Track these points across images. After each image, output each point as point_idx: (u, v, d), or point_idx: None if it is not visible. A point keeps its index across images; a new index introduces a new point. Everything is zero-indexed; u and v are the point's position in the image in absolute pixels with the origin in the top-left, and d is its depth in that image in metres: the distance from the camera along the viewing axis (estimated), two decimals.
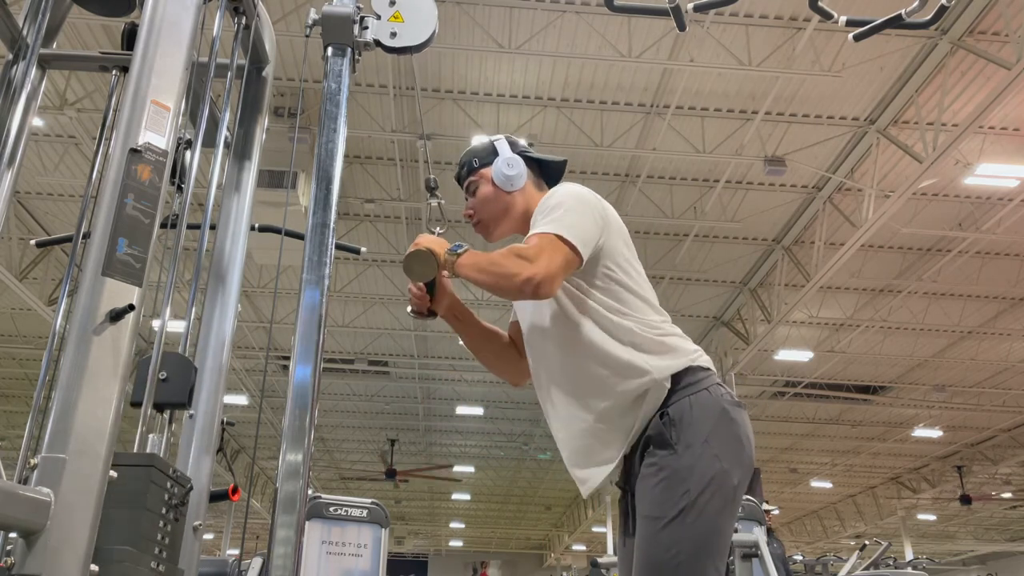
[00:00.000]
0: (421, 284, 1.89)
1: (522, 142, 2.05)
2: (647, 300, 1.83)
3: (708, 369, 1.77)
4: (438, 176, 8.99)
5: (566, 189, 1.84)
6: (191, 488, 1.65)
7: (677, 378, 1.72)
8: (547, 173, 2.05)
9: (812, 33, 6.84)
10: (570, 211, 1.76)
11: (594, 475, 1.78)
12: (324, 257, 1.85)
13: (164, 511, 1.50)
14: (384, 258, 10.58)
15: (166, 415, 1.74)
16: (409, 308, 1.94)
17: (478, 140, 2.08)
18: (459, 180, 2.05)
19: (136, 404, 1.63)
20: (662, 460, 1.65)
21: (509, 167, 1.95)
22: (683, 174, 8.95)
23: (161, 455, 1.68)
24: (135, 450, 1.64)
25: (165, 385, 1.70)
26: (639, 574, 1.63)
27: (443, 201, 2.17)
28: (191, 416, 1.87)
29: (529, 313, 1.91)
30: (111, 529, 1.36)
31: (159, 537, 1.48)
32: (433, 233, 1.90)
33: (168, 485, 1.52)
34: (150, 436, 1.70)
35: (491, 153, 1.99)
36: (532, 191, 1.98)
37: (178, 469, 1.62)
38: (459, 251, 1.75)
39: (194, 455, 1.90)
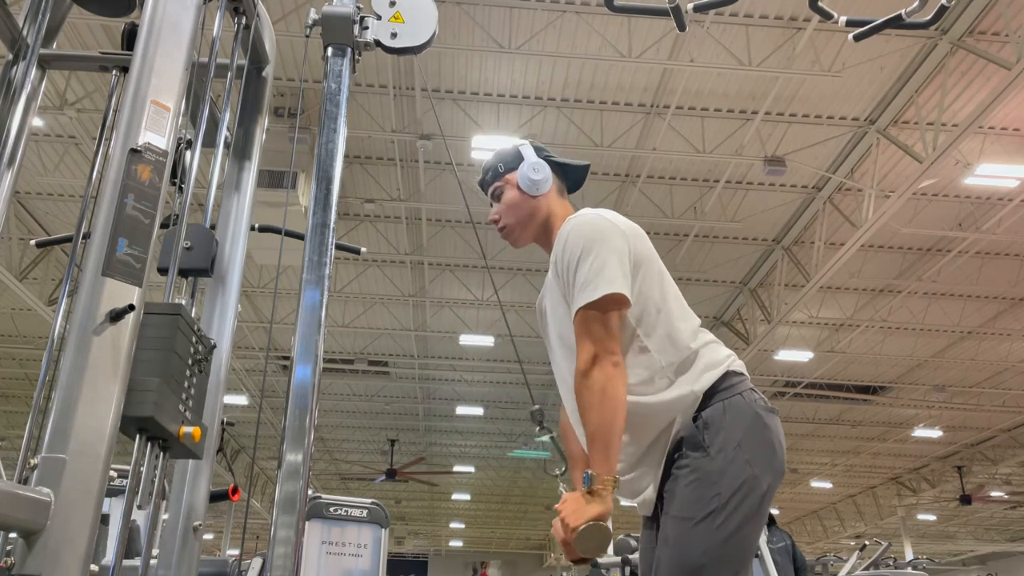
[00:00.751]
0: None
1: (544, 147, 2.04)
2: (674, 313, 1.79)
3: (742, 374, 1.76)
4: (436, 177, 9.03)
5: (584, 233, 1.78)
6: (215, 346, 1.71)
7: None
8: (569, 178, 2.05)
9: (812, 33, 6.84)
10: (597, 257, 1.73)
11: (646, 498, 1.77)
12: (324, 257, 1.85)
13: (190, 362, 1.55)
14: (384, 258, 10.58)
15: (191, 281, 1.88)
16: (570, 559, 1.70)
17: (503, 146, 2.06)
18: (483, 185, 2.04)
19: (163, 270, 1.72)
20: (694, 462, 1.65)
21: (535, 171, 1.95)
22: (683, 174, 8.95)
23: None
24: None
25: (189, 253, 1.85)
26: (661, 572, 1.62)
27: (555, 434, 2.05)
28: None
29: (556, 363, 1.91)
30: (141, 366, 1.42)
31: (186, 384, 1.53)
32: (555, 476, 1.86)
33: (193, 339, 1.57)
34: (177, 300, 1.76)
35: (516, 158, 1.98)
36: (555, 196, 1.98)
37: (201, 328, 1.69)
38: (592, 475, 1.61)
39: None
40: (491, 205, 2.03)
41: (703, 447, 1.65)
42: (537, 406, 2.03)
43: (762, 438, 1.68)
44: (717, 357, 1.77)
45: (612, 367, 1.65)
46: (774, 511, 23.44)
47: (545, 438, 1.99)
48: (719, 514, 1.59)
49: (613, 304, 1.70)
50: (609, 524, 1.59)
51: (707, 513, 1.59)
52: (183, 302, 1.75)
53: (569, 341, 1.81)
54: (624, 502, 1.84)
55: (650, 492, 1.75)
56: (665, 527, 1.65)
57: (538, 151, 2.00)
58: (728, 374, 1.74)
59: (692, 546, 1.59)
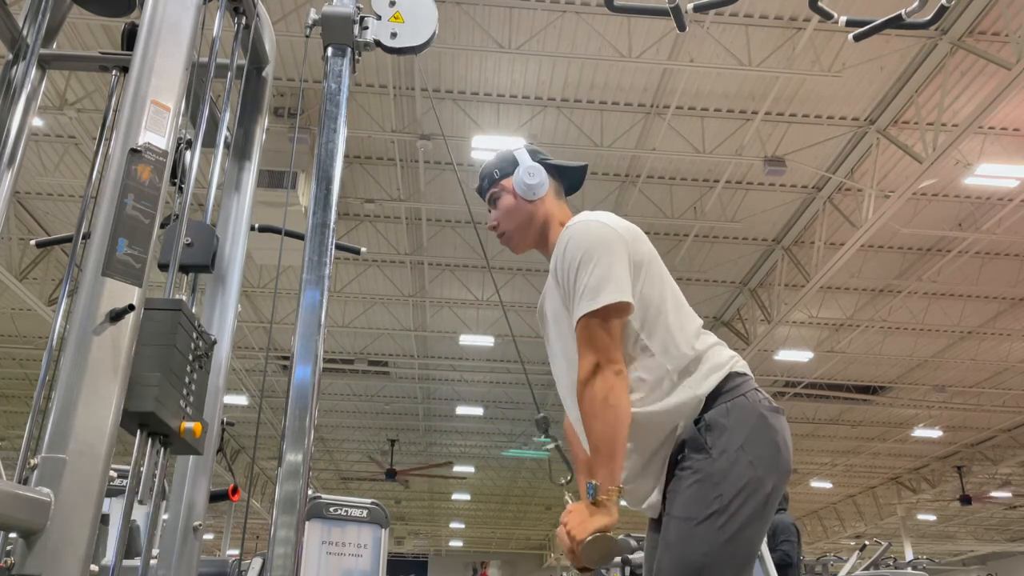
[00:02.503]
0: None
1: (540, 150, 2.03)
2: (676, 321, 1.78)
3: (745, 375, 1.75)
4: (436, 177, 9.03)
5: (584, 240, 1.77)
6: (215, 342, 1.71)
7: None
8: (567, 180, 2.03)
9: (812, 33, 6.84)
10: (598, 264, 1.72)
11: (651, 503, 1.76)
12: (324, 257, 1.85)
13: (191, 357, 1.55)
14: (384, 258, 10.58)
15: (191, 277, 1.88)
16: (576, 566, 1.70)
17: (499, 149, 2.05)
18: (480, 192, 2.03)
19: (163, 267, 1.72)
20: (696, 463, 1.65)
21: (531, 176, 1.94)
22: (683, 174, 8.95)
23: None
24: None
25: (190, 249, 1.85)
26: (663, 573, 1.62)
27: (560, 443, 2.04)
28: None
29: (557, 368, 1.90)
30: (142, 362, 1.42)
31: (186, 380, 1.53)
32: (561, 485, 1.86)
33: (193, 335, 1.57)
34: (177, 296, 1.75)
35: (512, 163, 1.97)
36: (553, 199, 1.97)
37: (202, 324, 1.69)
38: (597, 486, 1.61)
39: (194, 456, 1.90)
40: (489, 211, 2.02)
41: (705, 449, 1.65)
42: (543, 414, 2.01)
43: (766, 439, 1.67)
44: (720, 359, 1.76)
45: (614, 376, 1.65)
46: None
47: (551, 446, 1.98)
48: (721, 515, 1.59)
49: (615, 312, 1.69)
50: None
51: (709, 514, 1.59)
52: (183, 298, 1.75)
53: (570, 349, 1.80)
54: (631, 507, 1.84)
55: (655, 496, 1.74)
56: (667, 528, 1.65)
57: (534, 155, 1.98)
58: (731, 375, 1.73)
59: (694, 547, 1.58)
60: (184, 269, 1.86)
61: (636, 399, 1.71)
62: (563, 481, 1.88)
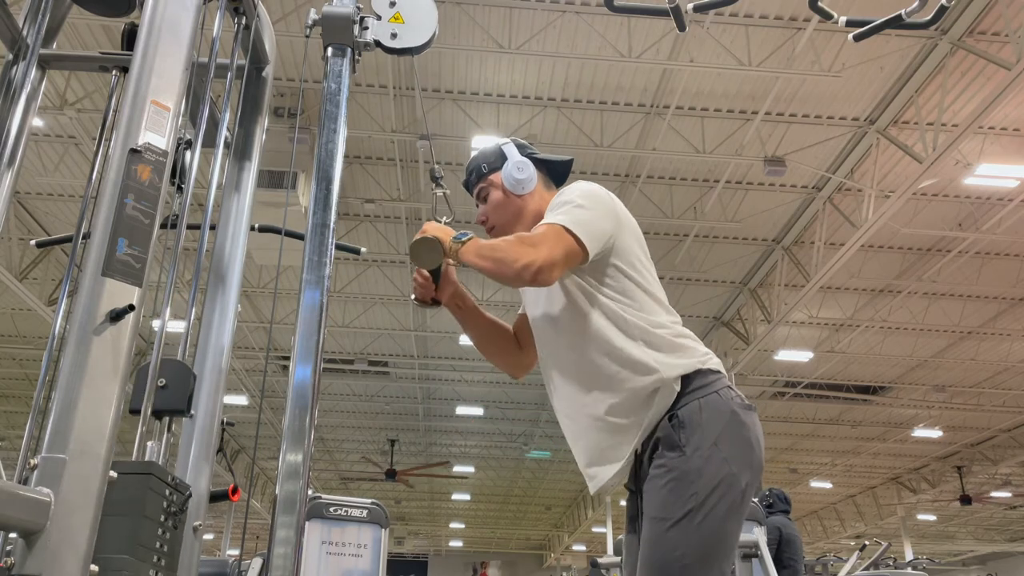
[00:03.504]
0: (426, 272, 1.90)
1: (528, 144, 2.05)
2: (659, 300, 1.83)
3: (718, 372, 1.76)
4: (444, 177, 9.02)
5: (579, 186, 1.84)
6: (190, 495, 1.65)
7: (687, 380, 1.72)
8: (554, 173, 2.05)
9: (812, 33, 6.84)
10: (580, 207, 1.77)
11: (602, 472, 1.78)
12: (324, 257, 1.85)
13: (163, 519, 1.50)
14: (384, 258, 10.58)
15: (165, 421, 1.73)
16: (413, 296, 1.95)
17: (485, 145, 2.07)
18: (468, 187, 2.04)
19: (135, 411, 1.62)
20: (671, 462, 1.65)
21: (519, 170, 1.95)
22: (683, 174, 8.95)
23: (160, 461, 1.68)
24: (134, 457, 1.64)
25: (164, 392, 1.69)
26: (643, 573, 1.63)
27: (448, 191, 2.13)
28: (191, 416, 1.87)
29: (540, 307, 1.91)
30: (109, 537, 1.35)
31: (158, 545, 1.47)
32: (440, 222, 1.89)
33: (167, 492, 1.52)
34: (149, 443, 1.69)
35: (500, 158, 1.99)
36: (542, 192, 1.99)
37: (177, 476, 1.62)
38: (464, 239, 1.75)
39: (194, 456, 1.90)
40: (477, 206, 2.03)
41: (679, 446, 1.65)
42: (437, 165, 2.17)
43: (739, 435, 1.68)
44: (697, 352, 1.78)
45: (535, 272, 1.67)
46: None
47: (440, 193, 2.11)
48: (697, 513, 1.59)
49: (576, 245, 1.72)
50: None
51: (685, 512, 1.59)
52: (157, 451, 1.69)
53: (558, 319, 1.83)
54: (584, 469, 1.85)
55: (610, 469, 1.76)
56: (645, 529, 1.66)
57: (521, 149, 2.00)
58: (705, 372, 1.74)
59: (672, 546, 1.59)
60: (157, 415, 1.71)
61: (618, 373, 1.73)
62: (443, 220, 1.94)
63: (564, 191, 1.84)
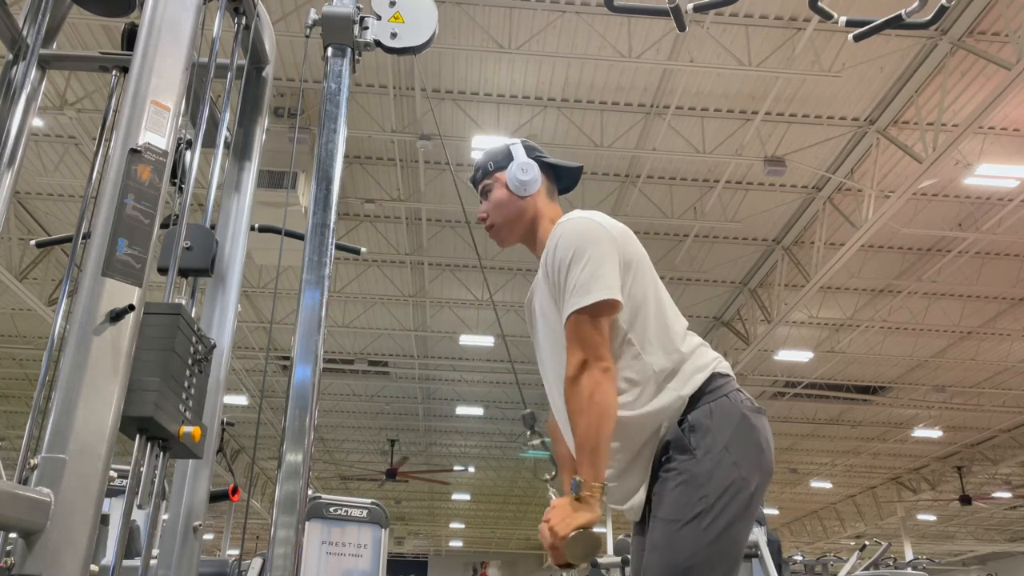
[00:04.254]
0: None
1: (537, 147, 2.04)
2: (664, 317, 1.79)
3: (727, 375, 1.76)
4: (435, 178, 9.03)
5: (574, 239, 1.77)
6: (215, 346, 1.72)
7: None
8: (561, 178, 2.04)
9: (812, 33, 6.84)
10: (589, 261, 1.72)
11: (634, 503, 1.77)
12: (324, 257, 1.85)
13: (190, 361, 1.55)
14: (384, 258, 10.58)
15: (191, 281, 1.88)
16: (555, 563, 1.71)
17: (493, 144, 2.06)
18: (474, 182, 2.04)
19: (163, 270, 1.72)
20: (681, 465, 1.65)
21: (523, 171, 1.94)
22: (683, 174, 8.95)
23: None
24: None
25: (189, 253, 1.84)
26: (650, 575, 1.63)
27: (547, 439, 2.03)
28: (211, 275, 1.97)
29: (545, 350, 1.90)
30: (141, 366, 1.42)
31: (186, 384, 1.53)
32: (546, 481, 1.85)
33: (193, 339, 1.57)
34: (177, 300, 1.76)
35: (507, 157, 1.97)
36: (545, 197, 1.97)
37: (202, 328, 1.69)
38: (580, 481, 1.62)
39: None
40: (480, 202, 2.02)
41: (690, 450, 1.65)
42: (529, 410, 2.01)
43: (749, 439, 1.68)
44: (704, 360, 1.77)
45: (601, 373, 1.65)
46: (774, 512, 23.45)
47: (536, 441, 1.98)
48: (706, 516, 1.59)
49: (605, 309, 1.70)
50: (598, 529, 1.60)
51: (694, 515, 1.59)
52: (183, 302, 1.75)
53: (558, 345, 1.81)
54: (613, 506, 1.85)
55: (639, 497, 1.76)
56: (653, 530, 1.65)
57: (529, 151, 1.98)
58: (714, 376, 1.74)
59: (680, 548, 1.59)
60: (183, 273, 1.85)
61: (623, 401, 1.72)
62: (547, 477, 1.88)
63: (559, 248, 1.78)
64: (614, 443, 1.71)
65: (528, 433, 1.99)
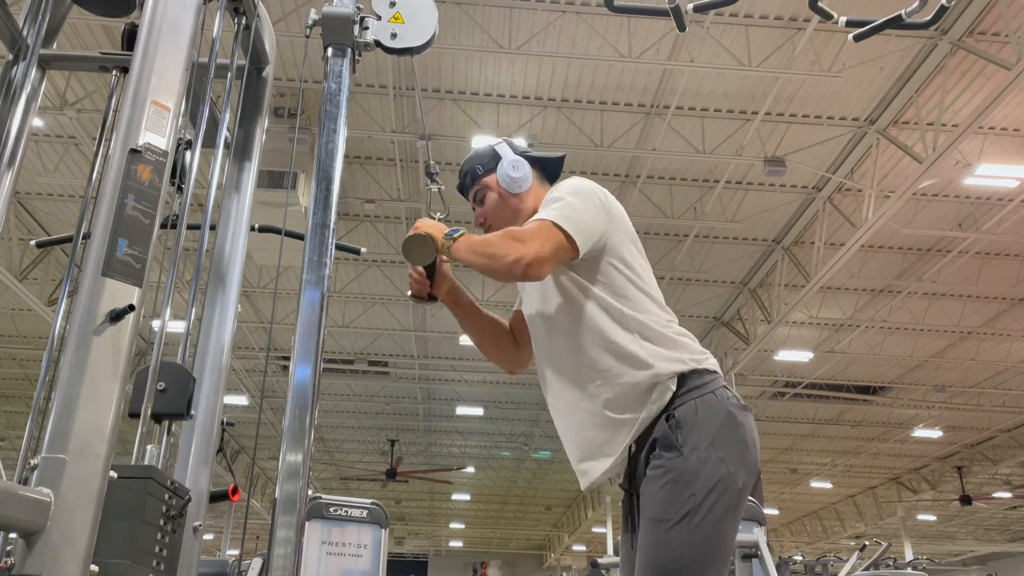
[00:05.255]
0: (421, 268, 1.91)
1: (520, 143, 2.06)
2: (655, 299, 1.83)
3: (715, 372, 1.77)
4: (439, 174, 9.02)
5: (571, 183, 1.85)
6: (189, 499, 1.65)
7: (683, 380, 1.72)
8: (547, 171, 2.06)
9: (812, 33, 6.84)
10: (571, 204, 1.77)
11: (594, 468, 1.78)
12: (324, 257, 1.85)
13: (162, 523, 1.50)
14: (384, 258, 10.58)
15: (165, 424, 1.73)
16: (409, 292, 1.97)
17: (477, 147, 2.07)
18: (462, 190, 2.04)
19: (135, 415, 1.62)
20: (668, 463, 1.65)
21: (514, 169, 1.96)
22: (683, 174, 8.95)
23: (160, 464, 1.69)
24: (134, 460, 1.64)
25: (163, 395, 1.70)
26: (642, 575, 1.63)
27: (443, 187, 2.16)
28: (191, 417, 1.88)
29: (536, 304, 1.91)
30: (109, 542, 1.36)
31: (157, 549, 1.48)
32: (433, 218, 1.90)
33: (166, 497, 1.52)
34: (148, 447, 1.69)
35: (493, 158, 1.99)
36: (538, 190, 1.99)
37: (176, 480, 1.62)
38: (455, 235, 1.77)
39: (194, 457, 1.90)
40: (474, 209, 2.04)
41: (676, 447, 1.65)
42: (432, 162, 2.17)
43: (735, 435, 1.68)
44: (693, 350, 1.78)
45: (524, 267, 1.68)
46: (774, 512, 23.42)
47: (434, 188, 2.14)
48: (696, 514, 1.59)
49: (567, 242, 1.73)
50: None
51: (684, 514, 1.59)
52: (156, 456, 1.70)
53: (553, 315, 1.83)
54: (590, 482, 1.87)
55: (596, 467, 1.77)
56: (643, 530, 1.65)
57: (514, 148, 2.01)
58: (702, 371, 1.74)
59: (671, 547, 1.59)
60: (156, 418, 1.72)
61: (615, 367, 1.73)
62: (437, 216, 1.95)
63: (557, 188, 1.86)
64: (605, 387, 1.74)
65: (427, 183, 2.15)
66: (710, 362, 1.78)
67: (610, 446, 1.76)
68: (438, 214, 1.96)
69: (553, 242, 1.71)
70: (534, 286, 1.91)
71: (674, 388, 1.71)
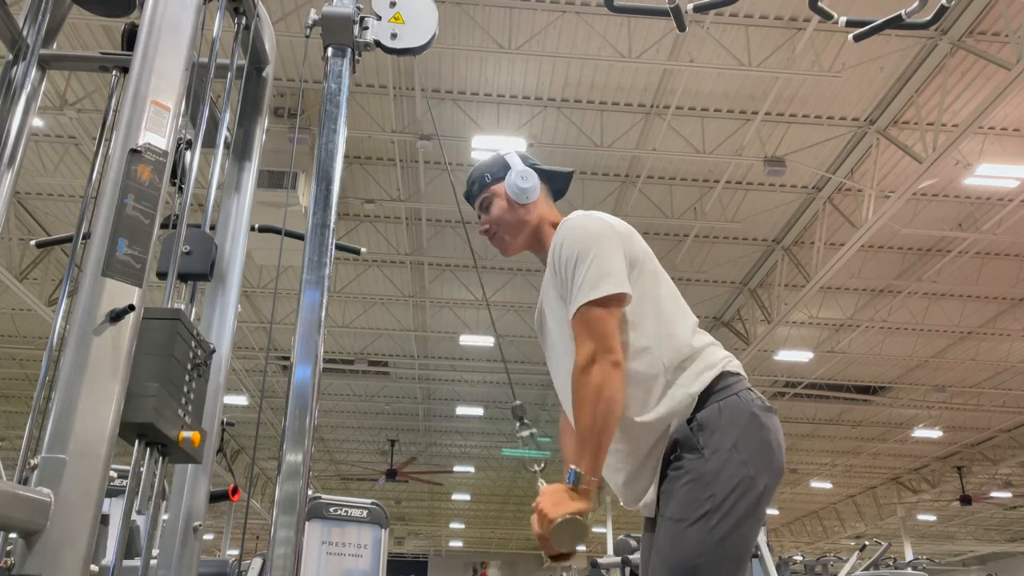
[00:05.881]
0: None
1: (529, 155, 2.06)
2: (669, 320, 1.80)
3: (738, 374, 1.76)
4: (435, 179, 9.03)
5: (572, 238, 1.80)
6: (214, 351, 1.72)
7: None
8: (553, 184, 2.06)
9: (812, 33, 6.84)
10: (587, 264, 1.74)
11: (647, 501, 1.78)
12: (324, 257, 1.85)
13: (189, 367, 1.55)
14: (384, 258, 10.58)
15: (190, 285, 1.88)
16: (545, 555, 1.69)
17: (485, 156, 2.07)
18: (469, 197, 2.04)
19: (162, 275, 1.72)
20: (689, 464, 1.65)
21: (523, 179, 1.96)
22: (683, 174, 8.95)
23: None
24: None
25: (188, 257, 1.84)
26: (657, 573, 1.63)
27: (535, 431, 2.07)
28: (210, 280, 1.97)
29: (555, 367, 1.91)
30: (141, 371, 1.42)
31: (185, 390, 1.53)
32: (534, 472, 1.86)
33: (192, 343, 1.57)
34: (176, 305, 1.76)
35: (503, 167, 1.99)
36: (544, 202, 1.99)
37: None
38: (578, 471, 1.62)
39: None
40: (479, 216, 2.03)
41: (698, 448, 1.65)
42: (518, 402, 2.03)
43: (759, 438, 1.67)
44: (714, 358, 1.77)
45: (611, 366, 1.65)
46: (774, 512, 23.44)
47: (526, 433, 1.98)
48: (713, 515, 1.59)
49: (614, 301, 1.71)
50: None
51: (702, 514, 1.59)
52: (182, 307, 1.75)
53: (568, 343, 1.81)
54: (628, 506, 1.86)
55: (651, 495, 1.76)
56: (661, 529, 1.65)
57: (523, 159, 2.01)
58: (724, 375, 1.74)
59: (687, 547, 1.59)
60: (182, 277, 1.85)
61: (634, 401, 1.72)
62: (536, 469, 1.88)
63: (565, 245, 1.79)
64: (625, 445, 1.73)
65: (517, 425, 2.00)
66: (733, 364, 1.77)
67: (646, 481, 1.77)
68: (536, 467, 1.88)
69: (601, 321, 1.68)
70: (556, 335, 1.89)
71: (695, 403, 1.71)
